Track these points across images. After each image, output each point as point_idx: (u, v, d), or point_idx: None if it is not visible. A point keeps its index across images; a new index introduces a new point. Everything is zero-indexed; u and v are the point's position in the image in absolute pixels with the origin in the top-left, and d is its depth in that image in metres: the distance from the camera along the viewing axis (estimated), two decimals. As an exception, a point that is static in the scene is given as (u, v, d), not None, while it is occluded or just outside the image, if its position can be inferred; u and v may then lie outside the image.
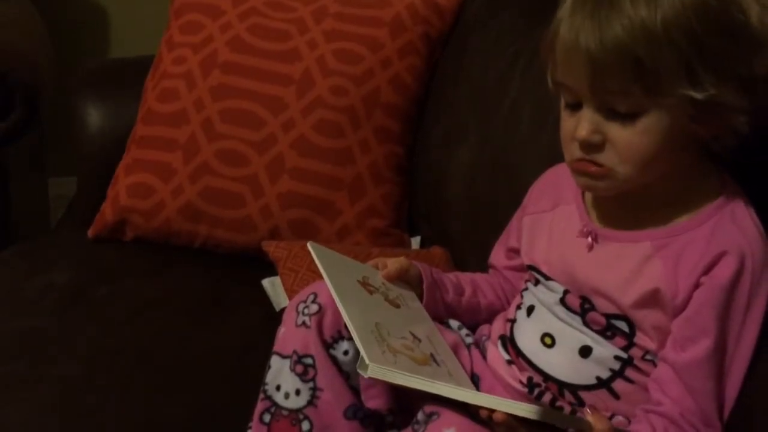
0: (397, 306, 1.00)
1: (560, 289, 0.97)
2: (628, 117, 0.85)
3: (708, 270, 0.87)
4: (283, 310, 1.27)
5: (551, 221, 1.02)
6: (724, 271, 0.86)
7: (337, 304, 0.91)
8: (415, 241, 1.45)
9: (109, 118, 1.60)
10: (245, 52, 1.47)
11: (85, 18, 2.23)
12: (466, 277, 1.11)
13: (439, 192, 1.41)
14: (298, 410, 0.96)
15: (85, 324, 1.25)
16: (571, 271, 0.96)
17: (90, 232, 1.47)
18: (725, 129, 0.86)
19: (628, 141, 0.86)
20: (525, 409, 0.82)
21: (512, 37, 1.35)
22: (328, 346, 0.96)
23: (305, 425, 0.95)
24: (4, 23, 1.76)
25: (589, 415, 0.85)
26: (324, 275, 0.94)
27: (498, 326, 1.05)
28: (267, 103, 1.44)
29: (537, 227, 1.03)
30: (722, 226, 0.88)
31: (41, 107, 1.72)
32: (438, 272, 1.08)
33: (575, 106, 0.89)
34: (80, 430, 1.08)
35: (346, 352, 0.96)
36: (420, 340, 0.95)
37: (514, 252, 1.09)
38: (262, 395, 0.99)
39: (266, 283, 1.33)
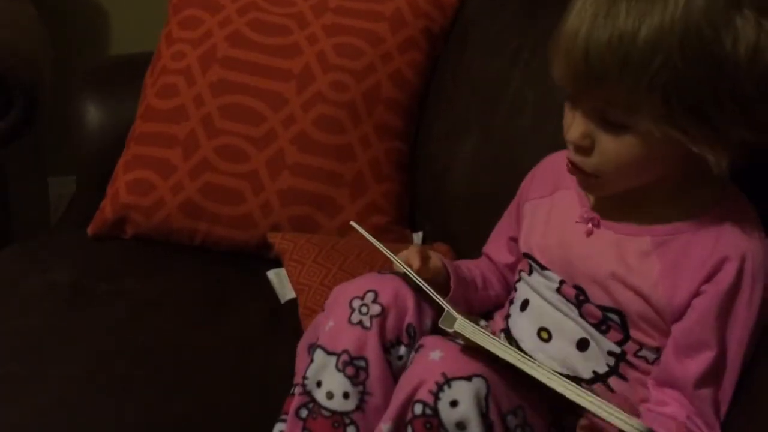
0: None
1: (556, 278, 0.97)
2: (615, 127, 0.86)
3: (710, 277, 0.87)
4: (288, 301, 1.27)
5: (550, 206, 1.01)
6: (726, 277, 0.86)
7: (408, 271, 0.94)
8: (417, 237, 1.44)
9: (109, 116, 1.59)
10: (245, 48, 1.46)
11: (84, 15, 2.22)
12: (476, 270, 1.10)
13: (441, 187, 1.40)
14: (345, 414, 0.93)
15: (86, 323, 1.24)
16: (567, 257, 0.95)
17: (90, 230, 1.45)
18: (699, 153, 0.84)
19: (615, 151, 0.87)
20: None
21: (514, 31, 1.34)
22: (386, 349, 0.94)
23: (351, 429, 0.92)
24: (3, 22, 1.75)
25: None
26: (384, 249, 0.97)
27: (498, 323, 1.05)
28: (267, 99, 1.43)
29: (536, 213, 1.03)
30: (724, 233, 0.88)
31: (41, 106, 1.71)
32: (459, 268, 1.07)
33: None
34: (80, 430, 1.07)
35: (400, 357, 0.95)
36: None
37: (515, 242, 1.08)
38: (300, 389, 0.95)
39: (271, 274, 1.32)
